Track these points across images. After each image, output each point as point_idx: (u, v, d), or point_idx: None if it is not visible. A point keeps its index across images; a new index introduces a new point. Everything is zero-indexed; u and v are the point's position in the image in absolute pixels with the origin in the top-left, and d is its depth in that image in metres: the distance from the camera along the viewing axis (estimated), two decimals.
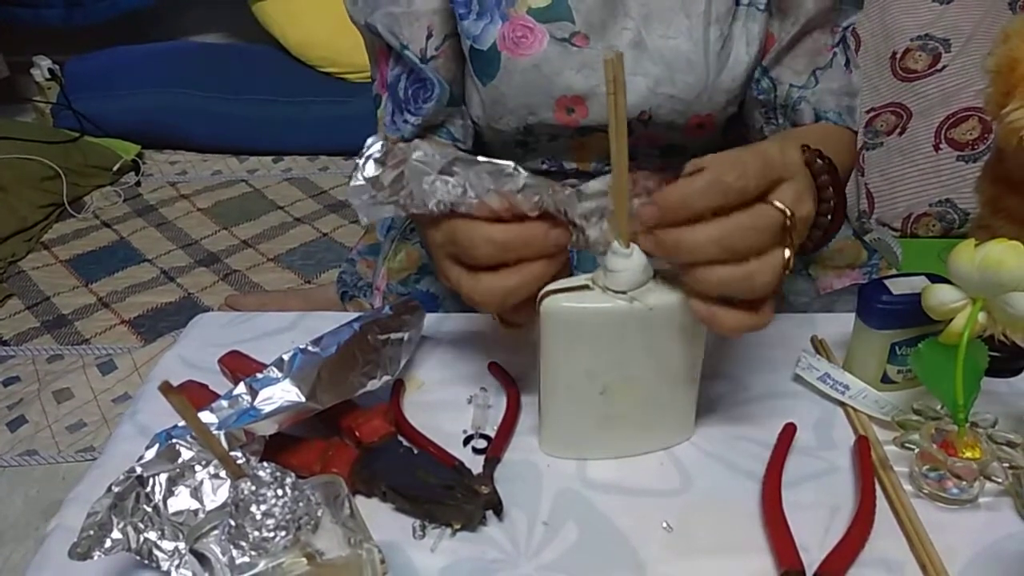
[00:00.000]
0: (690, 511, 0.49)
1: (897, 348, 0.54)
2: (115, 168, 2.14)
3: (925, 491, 0.49)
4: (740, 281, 0.43)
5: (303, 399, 0.50)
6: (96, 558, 0.43)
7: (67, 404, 1.42)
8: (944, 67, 1.44)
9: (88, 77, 2.28)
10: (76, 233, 1.96)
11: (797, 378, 0.58)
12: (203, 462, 0.46)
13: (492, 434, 0.54)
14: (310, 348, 0.53)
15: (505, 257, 0.46)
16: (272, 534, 0.37)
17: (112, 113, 2.21)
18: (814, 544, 0.46)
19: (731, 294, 0.44)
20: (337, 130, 2.22)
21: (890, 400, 0.54)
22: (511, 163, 0.46)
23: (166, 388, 0.37)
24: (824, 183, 0.52)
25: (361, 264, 0.94)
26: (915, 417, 0.52)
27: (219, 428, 0.47)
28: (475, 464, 0.51)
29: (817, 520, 0.48)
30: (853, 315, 0.56)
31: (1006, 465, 0.49)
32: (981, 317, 0.48)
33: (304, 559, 0.38)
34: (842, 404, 0.56)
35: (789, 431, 0.53)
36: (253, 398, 0.49)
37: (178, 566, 0.44)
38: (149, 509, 0.45)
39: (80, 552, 0.43)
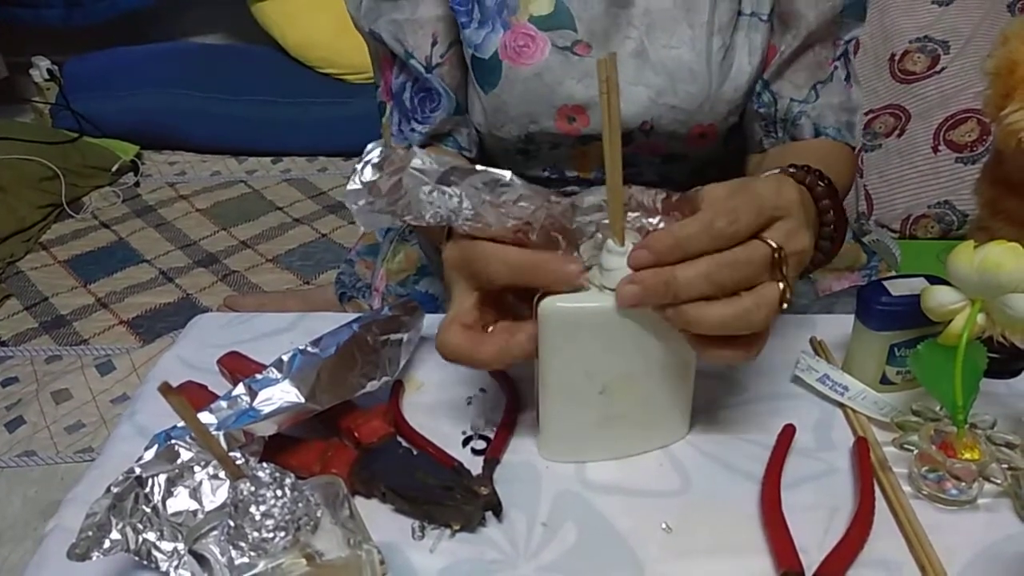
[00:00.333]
0: (689, 512, 0.49)
1: (896, 349, 0.54)
2: (114, 169, 2.14)
3: (924, 492, 0.49)
4: (737, 319, 0.43)
5: (302, 400, 0.50)
6: (95, 559, 0.43)
7: (65, 405, 1.42)
8: (943, 69, 1.44)
9: (87, 78, 2.28)
10: (75, 234, 1.96)
11: (796, 379, 0.58)
12: (202, 463, 0.46)
13: (491, 435, 0.54)
14: (309, 349, 0.53)
15: (516, 280, 0.46)
16: (271, 535, 0.37)
17: (111, 114, 2.22)
18: (813, 545, 0.46)
19: (729, 332, 0.44)
20: (336, 131, 2.22)
21: (889, 401, 0.54)
22: (508, 173, 0.46)
23: (165, 389, 0.37)
24: (825, 207, 0.52)
25: (360, 265, 0.94)
26: (914, 418, 0.52)
27: (218, 429, 0.47)
28: (474, 465, 0.51)
29: (816, 521, 0.48)
30: (852, 316, 0.56)
31: (1005, 466, 0.49)
32: (980, 318, 0.48)
33: (303, 560, 0.38)
34: (841, 405, 0.56)
35: (788, 432, 0.53)
36: (252, 399, 0.49)
37: (177, 567, 0.44)
38: (148, 510, 0.45)
39: (79, 553, 0.43)
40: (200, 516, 0.45)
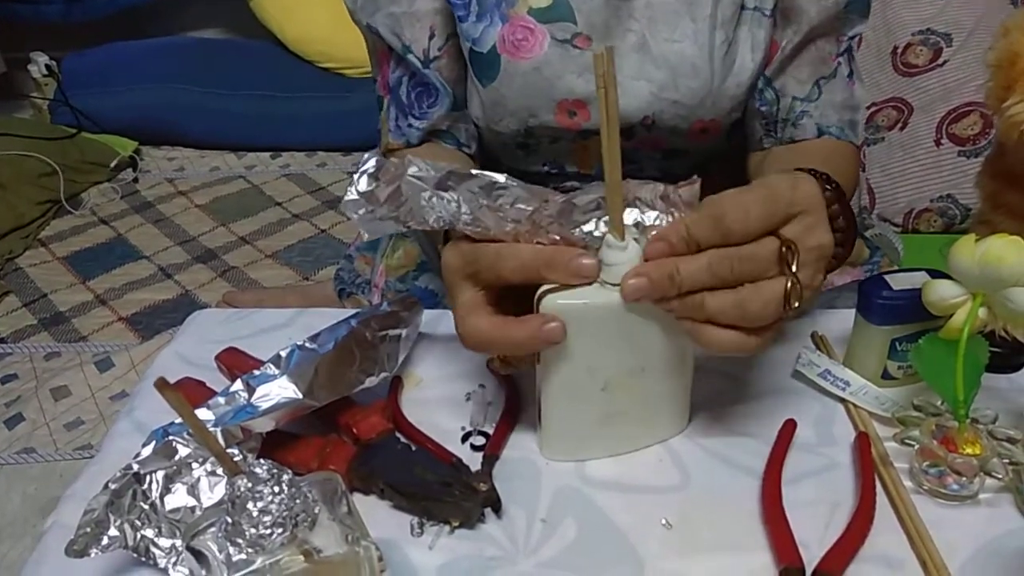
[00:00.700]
0: (689, 508, 0.49)
1: (897, 344, 0.54)
2: (113, 165, 2.13)
3: (925, 487, 0.49)
4: (730, 308, 0.43)
5: (300, 396, 0.49)
6: (93, 555, 0.43)
7: (64, 402, 1.42)
8: (945, 62, 1.43)
9: (85, 73, 2.27)
10: (73, 230, 1.96)
11: (797, 374, 0.58)
12: (200, 459, 0.46)
13: (490, 431, 0.54)
14: (307, 345, 0.52)
15: (528, 276, 0.46)
16: (269, 531, 0.37)
17: (110, 109, 2.21)
18: (814, 541, 0.46)
19: (727, 321, 0.44)
20: (335, 126, 2.21)
21: (890, 396, 0.54)
22: (503, 176, 0.46)
23: (162, 385, 0.37)
24: (835, 212, 0.52)
25: (359, 261, 0.94)
26: (915, 413, 0.51)
27: (216, 425, 0.47)
28: (473, 461, 0.51)
29: (817, 516, 0.48)
30: (853, 311, 0.56)
31: (1006, 461, 0.49)
32: (982, 313, 0.48)
33: (301, 556, 0.38)
34: (842, 400, 0.56)
35: (789, 427, 0.53)
36: (250, 395, 0.49)
37: (175, 563, 0.44)
38: (146, 506, 0.45)
39: (77, 549, 0.43)
40: (198, 512, 0.45)
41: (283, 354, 0.52)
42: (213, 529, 0.39)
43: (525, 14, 0.67)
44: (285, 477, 0.38)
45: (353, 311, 0.58)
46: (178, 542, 0.44)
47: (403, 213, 0.48)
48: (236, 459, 0.44)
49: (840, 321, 0.62)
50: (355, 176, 0.49)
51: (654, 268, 0.44)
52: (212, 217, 2.01)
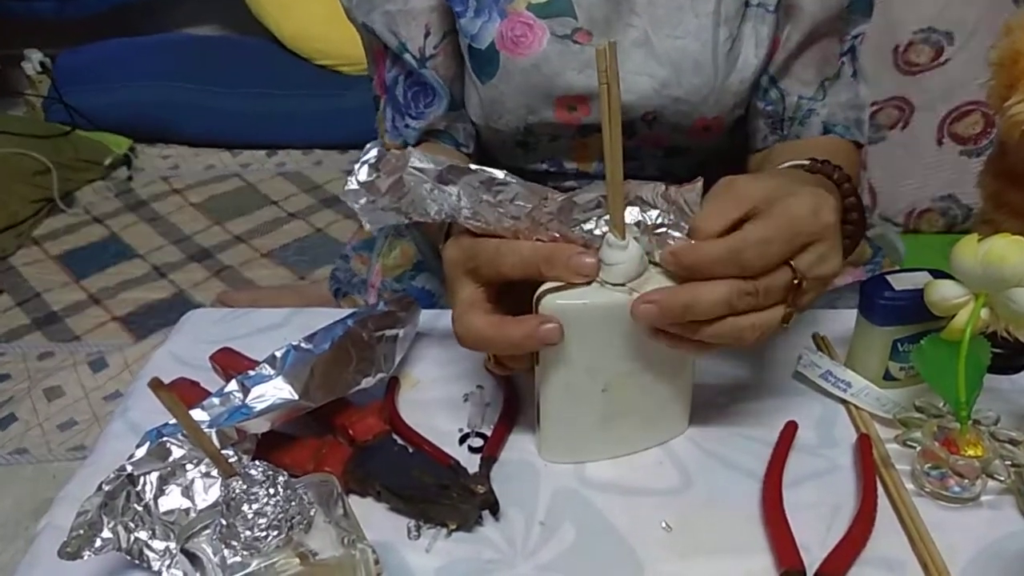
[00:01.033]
0: (690, 510, 0.48)
1: (899, 345, 0.54)
2: (107, 162, 2.12)
3: (927, 489, 0.49)
4: (727, 336, 0.44)
5: (296, 397, 0.49)
6: (86, 558, 0.42)
7: (58, 402, 1.41)
8: (947, 61, 1.43)
9: (79, 70, 2.26)
10: (67, 228, 1.95)
11: (798, 376, 0.57)
12: (194, 460, 0.46)
13: (488, 433, 0.53)
14: (303, 345, 0.52)
15: (529, 273, 0.45)
16: (264, 533, 0.36)
17: (104, 107, 2.20)
18: (815, 543, 0.46)
19: (715, 344, 0.45)
20: (331, 124, 2.21)
21: (892, 397, 0.54)
22: (503, 172, 0.46)
23: (156, 385, 0.36)
24: (851, 204, 0.52)
25: (355, 260, 0.93)
26: (917, 415, 0.51)
27: (210, 426, 0.47)
28: (471, 463, 0.50)
29: (818, 519, 0.47)
30: (855, 312, 0.55)
31: (1008, 463, 0.49)
32: (984, 313, 0.47)
33: (297, 559, 0.38)
34: (844, 402, 0.55)
35: (790, 429, 0.53)
36: (245, 395, 0.49)
37: (169, 566, 0.43)
38: (140, 508, 0.44)
39: (70, 552, 0.42)
40: (192, 514, 0.44)
41: (278, 354, 0.51)
42: (208, 531, 0.39)
43: (524, 9, 0.66)
44: (281, 479, 0.37)
45: (349, 311, 0.57)
46: (172, 544, 0.44)
47: (404, 204, 0.48)
48: (231, 460, 0.44)
49: (841, 322, 0.62)
50: (356, 165, 0.49)
51: (669, 297, 0.43)
52: (207, 216, 2.00)
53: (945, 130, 1.40)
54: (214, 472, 0.45)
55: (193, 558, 0.38)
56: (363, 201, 0.49)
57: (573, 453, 0.52)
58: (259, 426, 0.48)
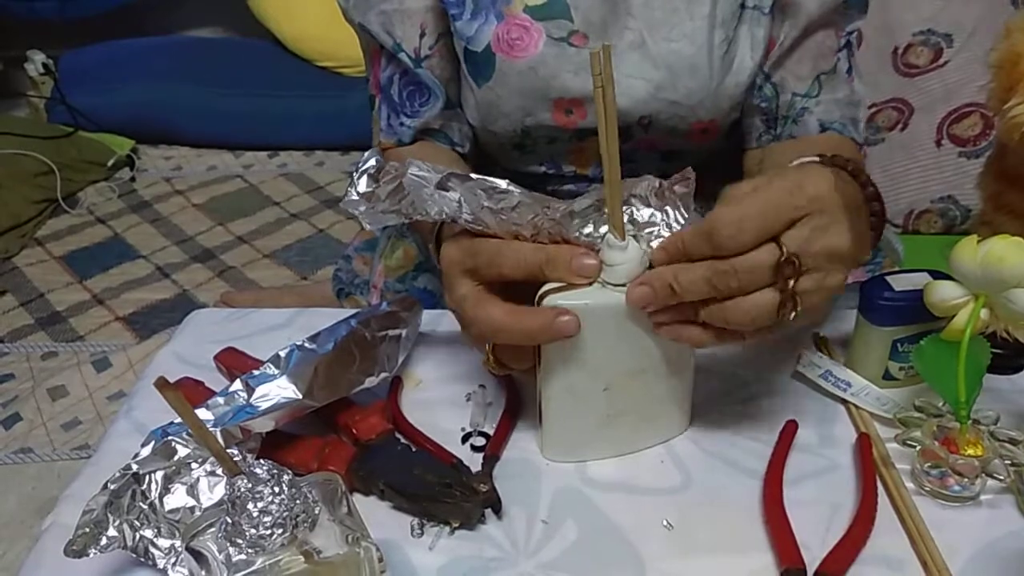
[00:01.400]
0: (691, 509, 0.49)
1: (899, 345, 0.54)
2: (109, 163, 2.13)
3: (927, 488, 0.49)
4: (718, 319, 0.44)
5: (300, 396, 0.49)
6: (92, 556, 0.43)
7: (62, 402, 1.41)
8: (946, 62, 1.43)
9: (82, 72, 2.27)
10: (70, 229, 1.95)
11: (798, 375, 0.58)
12: (199, 459, 0.46)
13: (491, 431, 0.54)
14: (307, 345, 0.52)
15: (530, 274, 0.46)
16: (269, 532, 0.37)
17: (106, 108, 2.21)
18: (815, 542, 0.46)
19: (716, 324, 0.45)
20: (333, 125, 2.21)
21: (892, 397, 0.54)
22: (505, 181, 0.46)
23: (162, 384, 0.37)
24: (871, 195, 0.51)
25: (357, 261, 0.94)
26: (917, 414, 0.51)
27: (215, 425, 0.47)
28: (474, 462, 0.51)
29: (818, 518, 0.47)
30: (855, 312, 0.56)
31: (1008, 462, 0.49)
32: (983, 314, 0.47)
33: (301, 557, 0.38)
34: (844, 401, 0.56)
35: (790, 429, 0.53)
36: (249, 395, 0.49)
37: (174, 564, 0.43)
38: (145, 506, 0.44)
39: (75, 550, 0.42)
40: (197, 513, 0.45)
41: (282, 354, 0.51)
42: (213, 529, 0.39)
43: (521, 12, 0.66)
44: (285, 477, 0.38)
45: (352, 311, 0.58)
46: (177, 542, 0.44)
47: (405, 206, 0.48)
48: (235, 459, 0.44)
49: (842, 322, 0.62)
50: (354, 176, 0.49)
51: (655, 277, 0.44)
52: (209, 216, 2.00)
53: (944, 132, 1.40)
54: (219, 471, 0.45)
55: (198, 556, 0.39)
56: (363, 208, 0.50)
57: (575, 452, 0.52)
58: (263, 425, 0.49)
